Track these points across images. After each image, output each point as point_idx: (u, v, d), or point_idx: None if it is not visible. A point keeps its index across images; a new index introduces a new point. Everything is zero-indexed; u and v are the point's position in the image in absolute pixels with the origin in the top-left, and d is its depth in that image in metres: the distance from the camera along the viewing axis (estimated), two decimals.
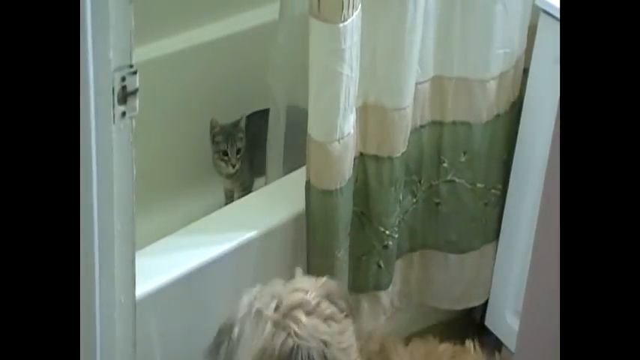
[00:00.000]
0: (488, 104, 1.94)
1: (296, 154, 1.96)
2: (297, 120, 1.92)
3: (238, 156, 2.19)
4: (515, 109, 2.01)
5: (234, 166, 2.20)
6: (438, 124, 1.94)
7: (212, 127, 2.20)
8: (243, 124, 2.20)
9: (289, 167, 2.01)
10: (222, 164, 2.21)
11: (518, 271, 2.08)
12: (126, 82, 1.14)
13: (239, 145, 2.20)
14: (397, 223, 1.92)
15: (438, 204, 2.01)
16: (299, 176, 1.81)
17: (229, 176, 2.25)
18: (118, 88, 1.14)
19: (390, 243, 1.92)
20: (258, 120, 2.23)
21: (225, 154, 2.19)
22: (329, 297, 1.50)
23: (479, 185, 2.01)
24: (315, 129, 1.73)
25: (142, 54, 1.94)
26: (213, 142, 2.21)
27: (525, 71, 2.00)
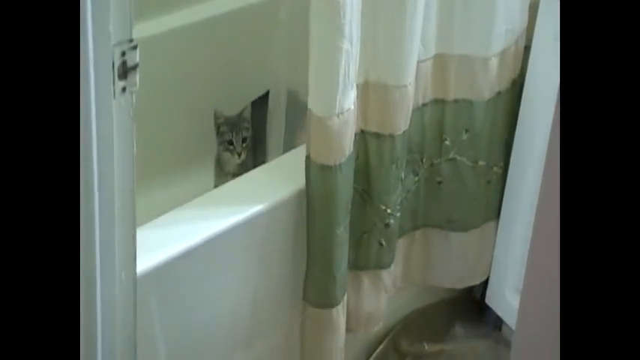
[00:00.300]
0: (489, 82, 1.94)
1: (297, 135, 1.96)
2: (298, 101, 1.91)
3: (244, 145, 2.17)
4: (517, 86, 2.01)
5: (239, 155, 2.16)
6: (440, 102, 1.94)
7: (216, 117, 2.18)
8: (248, 113, 2.18)
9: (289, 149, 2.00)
10: (228, 154, 2.18)
11: (519, 249, 2.08)
12: (126, 57, 1.13)
13: (245, 134, 2.17)
14: (399, 201, 1.92)
15: (439, 182, 2.01)
16: (303, 152, 1.81)
17: (234, 173, 2.20)
18: (118, 63, 1.13)
19: (392, 221, 1.92)
20: (259, 107, 2.21)
21: (231, 143, 2.17)
22: None
23: (480, 163, 2.01)
24: (314, 104, 1.72)
25: (142, 31, 1.94)
26: (218, 132, 2.19)
27: (527, 49, 1.99)
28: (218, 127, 2.18)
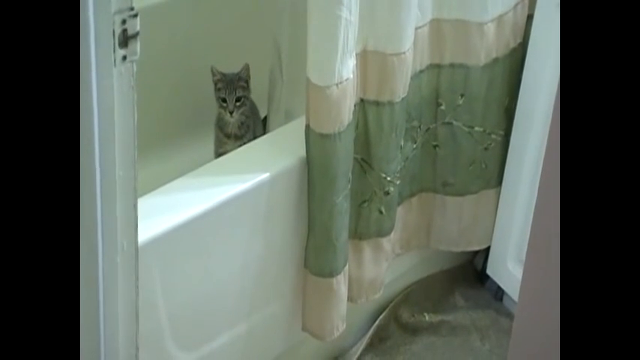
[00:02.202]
0: (486, 47, 1.94)
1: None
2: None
3: (238, 103, 2.15)
4: (517, 54, 2.01)
5: (231, 114, 2.15)
6: (435, 67, 1.95)
7: (213, 74, 2.16)
8: (245, 73, 2.17)
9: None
10: (222, 112, 2.17)
11: (521, 219, 2.08)
12: (126, 25, 1.13)
13: (240, 93, 2.15)
14: (399, 169, 1.93)
15: (435, 147, 2.02)
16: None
17: (235, 134, 2.18)
18: (118, 31, 1.12)
19: (392, 189, 1.92)
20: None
21: (225, 100, 2.14)
22: None
23: (477, 129, 2.02)
24: (313, 73, 1.72)
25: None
26: (215, 88, 2.17)
27: (530, 18, 1.99)
28: (215, 84, 2.16)
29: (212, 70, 2.15)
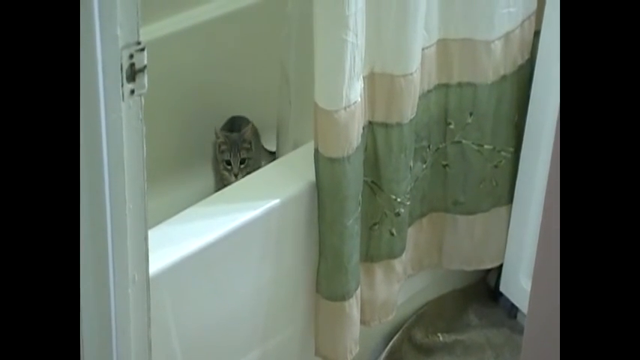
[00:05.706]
0: (493, 65, 1.94)
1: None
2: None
3: (242, 166, 2.12)
4: (524, 70, 2.01)
5: (236, 176, 2.12)
6: (443, 87, 1.94)
7: (216, 137, 2.13)
8: (249, 134, 2.14)
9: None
10: (226, 173, 2.14)
11: (533, 235, 2.07)
12: (134, 60, 1.13)
13: (244, 155, 2.12)
14: (409, 190, 1.92)
15: (445, 166, 2.02)
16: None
17: (231, 181, 2.13)
18: (126, 66, 1.13)
19: (402, 210, 1.92)
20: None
21: (229, 163, 2.12)
22: None
23: (486, 147, 2.01)
24: (321, 97, 1.72)
25: (148, 33, 1.93)
26: (219, 150, 2.15)
27: (537, 34, 1.99)
28: (218, 145, 2.14)
29: (216, 133, 2.12)
